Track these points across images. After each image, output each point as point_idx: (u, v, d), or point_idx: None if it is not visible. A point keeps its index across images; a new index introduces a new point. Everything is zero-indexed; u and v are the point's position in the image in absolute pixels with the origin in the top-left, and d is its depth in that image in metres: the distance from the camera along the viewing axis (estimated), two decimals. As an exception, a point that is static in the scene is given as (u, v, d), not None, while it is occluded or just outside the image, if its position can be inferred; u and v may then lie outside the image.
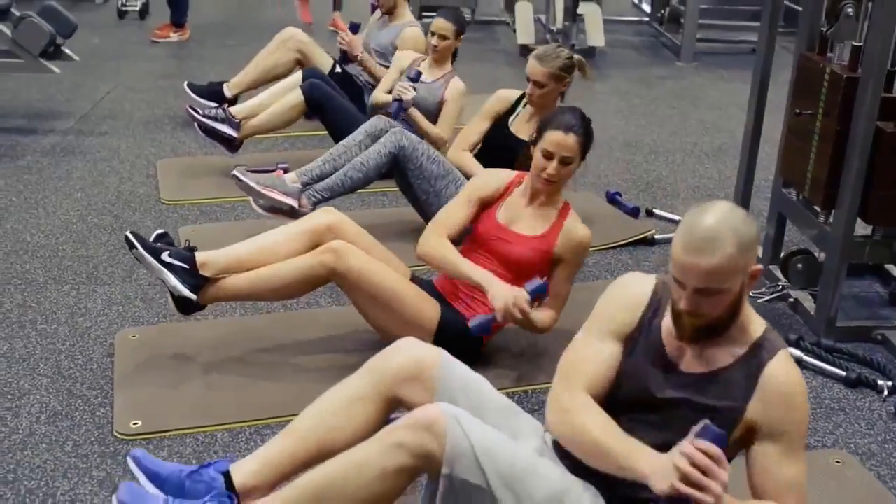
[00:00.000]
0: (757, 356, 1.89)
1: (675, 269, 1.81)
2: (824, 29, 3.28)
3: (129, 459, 2.14)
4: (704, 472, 1.69)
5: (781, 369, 1.88)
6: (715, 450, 1.70)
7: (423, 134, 4.04)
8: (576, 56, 3.65)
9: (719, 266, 1.76)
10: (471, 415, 1.93)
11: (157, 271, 2.78)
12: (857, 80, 3.02)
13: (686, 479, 1.70)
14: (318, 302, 3.35)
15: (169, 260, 2.78)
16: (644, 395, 1.93)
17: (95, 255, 3.68)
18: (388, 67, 4.64)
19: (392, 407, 2.13)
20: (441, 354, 2.13)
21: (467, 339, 2.82)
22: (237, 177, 3.60)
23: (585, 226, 2.91)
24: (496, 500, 1.86)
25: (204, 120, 4.38)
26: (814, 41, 3.36)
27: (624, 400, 1.96)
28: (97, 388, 2.81)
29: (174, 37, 7.05)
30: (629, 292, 2.03)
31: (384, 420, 2.09)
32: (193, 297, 2.79)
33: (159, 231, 2.92)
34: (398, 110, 4.09)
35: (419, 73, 4.17)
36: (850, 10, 3.10)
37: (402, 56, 4.48)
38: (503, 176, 3.00)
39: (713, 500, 1.68)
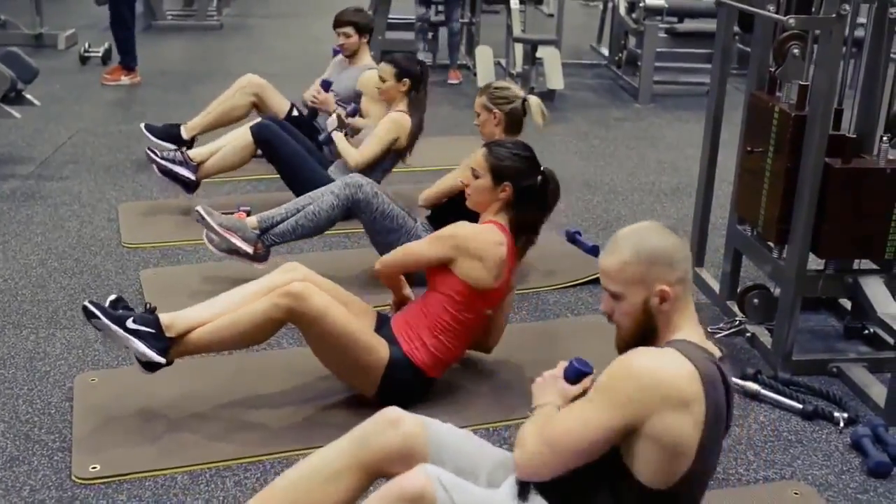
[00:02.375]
0: None
1: None
2: (773, 69, 3.37)
3: None
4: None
5: (639, 349, 1.90)
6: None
7: (342, 157, 4.30)
8: (528, 97, 3.72)
9: (612, 268, 1.93)
10: (457, 477, 1.92)
11: (122, 339, 2.72)
12: (805, 118, 3.11)
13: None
14: (279, 343, 3.35)
15: (134, 326, 2.72)
16: None
17: (55, 299, 3.65)
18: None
19: (374, 480, 2.09)
20: (428, 427, 2.10)
21: (414, 379, 2.86)
22: (200, 213, 3.60)
23: (488, 228, 2.94)
24: None
25: (162, 162, 4.41)
26: (763, 81, 3.45)
27: None
28: (55, 432, 2.79)
29: (125, 80, 7.09)
30: None
31: (363, 493, 2.06)
32: (163, 361, 2.75)
33: (112, 297, 2.84)
34: (326, 138, 4.40)
35: (356, 109, 4.48)
36: (796, 50, 3.19)
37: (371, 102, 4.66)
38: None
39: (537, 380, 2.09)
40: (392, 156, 4.37)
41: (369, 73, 4.76)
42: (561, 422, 1.91)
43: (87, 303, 2.73)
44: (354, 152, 4.24)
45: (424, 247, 3.00)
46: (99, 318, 2.70)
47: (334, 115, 4.35)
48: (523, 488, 2.00)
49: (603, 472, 1.90)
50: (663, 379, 1.82)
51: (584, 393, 2.05)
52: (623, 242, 1.94)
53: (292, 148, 4.37)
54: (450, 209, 3.60)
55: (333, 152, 4.45)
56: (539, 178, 2.97)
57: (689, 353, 1.86)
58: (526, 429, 1.96)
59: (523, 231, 3.02)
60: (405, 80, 4.25)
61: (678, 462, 1.85)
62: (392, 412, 2.12)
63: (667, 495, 1.88)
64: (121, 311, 2.78)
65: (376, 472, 2.06)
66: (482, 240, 2.90)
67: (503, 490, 2.01)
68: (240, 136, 4.51)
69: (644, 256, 1.90)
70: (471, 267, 2.88)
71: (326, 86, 4.76)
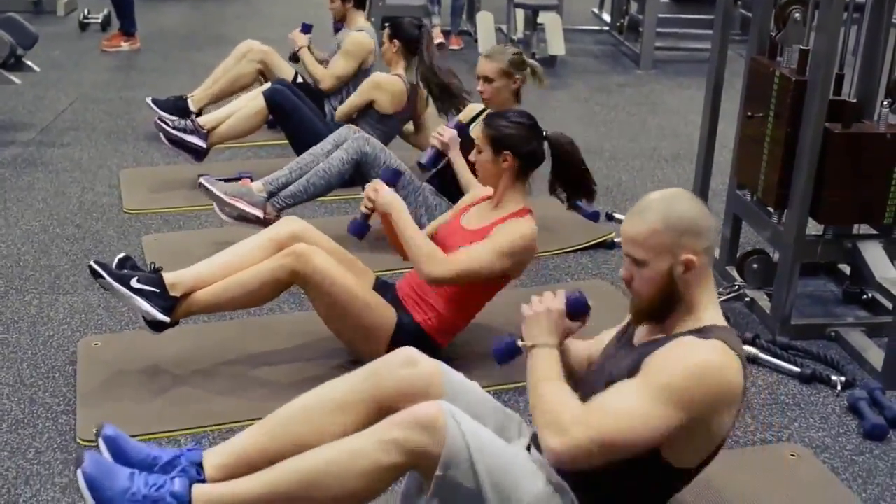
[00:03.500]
0: (690, 334, 1.88)
1: None
2: (774, 33, 3.36)
3: (100, 440, 2.07)
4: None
5: (698, 341, 1.83)
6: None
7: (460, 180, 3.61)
8: (529, 61, 3.70)
9: (639, 234, 1.87)
10: (470, 417, 1.92)
11: (127, 298, 2.75)
12: (806, 83, 3.10)
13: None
14: (281, 308, 3.37)
15: (138, 286, 2.75)
16: (608, 379, 1.97)
17: (58, 265, 3.67)
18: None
19: (383, 415, 2.04)
20: (442, 368, 2.12)
21: (422, 345, 2.85)
22: (204, 185, 3.62)
23: (533, 227, 2.88)
24: (484, 501, 1.85)
25: (173, 132, 4.38)
26: (764, 46, 3.45)
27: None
28: (59, 395, 2.82)
29: (125, 46, 7.06)
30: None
31: (370, 425, 2.03)
32: (167, 319, 2.78)
33: (121, 256, 2.88)
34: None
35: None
36: (797, 14, 3.19)
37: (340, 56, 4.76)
38: (479, 192, 3.12)
39: (530, 311, 2.05)
40: (395, 119, 4.37)
41: (354, 34, 4.80)
42: (612, 415, 1.79)
43: (92, 262, 2.76)
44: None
45: (489, 262, 2.81)
46: (104, 277, 2.74)
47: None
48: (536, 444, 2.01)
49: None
50: (725, 379, 1.80)
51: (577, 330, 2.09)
52: (652, 208, 1.87)
53: (304, 114, 4.39)
54: (454, 180, 3.61)
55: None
56: (543, 142, 2.94)
57: (732, 344, 1.84)
58: (563, 412, 1.82)
59: (573, 191, 2.98)
60: (395, 41, 4.28)
61: (711, 447, 1.89)
62: (410, 351, 2.13)
63: (686, 471, 1.91)
64: (126, 270, 2.81)
65: (388, 408, 2.02)
66: (535, 241, 2.89)
67: (521, 447, 2.05)
68: (252, 102, 4.50)
69: (673, 224, 1.84)
70: (520, 266, 2.92)
71: (306, 29, 4.83)
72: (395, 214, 2.82)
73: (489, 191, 3.01)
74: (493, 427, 2.05)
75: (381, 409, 2.04)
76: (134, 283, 2.76)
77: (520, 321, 2.09)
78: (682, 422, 1.78)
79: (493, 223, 2.89)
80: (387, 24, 4.40)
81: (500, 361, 2.15)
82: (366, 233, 2.99)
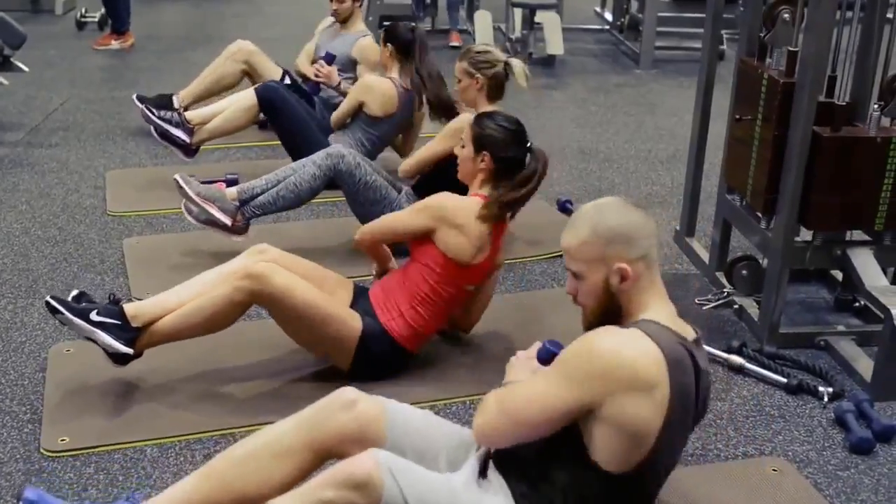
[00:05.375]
0: None
1: None
2: (762, 34, 3.28)
3: None
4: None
5: (607, 328, 1.87)
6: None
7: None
8: (510, 60, 3.62)
9: (571, 246, 1.91)
10: (411, 462, 1.87)
11: (88, 332, 2.67)
12: (794, 85, 3.02)
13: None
14: (259, 314, 3.30)
15: (99, 318, 2.68)
16: None
17: (36, 268, 3.62)
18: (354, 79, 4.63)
19: (324, 461, 2.03)
20: (384, 408, 2.05)
21: (390, 352, 2.81)
22: (178, 182, 3.56)
23: (470, 201, 2.87)
24: None
25: (158, 122, 4.32)
26: (753, 47, 3.36)
27: None
28: (27, 404, 2.76)
29: (115, 44, 7.03)
30: None
31: (311, 474, 2.00)
32: (130, 351, 2.70)
33: (75, 292, 2.79)
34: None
35: (332, 56, 4.50)
36: (786, 15, 3.10)
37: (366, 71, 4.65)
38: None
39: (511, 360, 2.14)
40: (387, 123, 4.31)
41: (365, 40, 4.71)
42: (521, 393, 1.90)
43: (49, 298, 2.68)
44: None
45: (405, 217, 2.94)
46: (62, 312, 2.66)
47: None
48: (483, 466, 1.96)
49: (562, 450, 1.86)
50: (624, 360, 1.77)
51: None
52: (582, 220, 1.90)
53: (296, 112, 4.33)
54: (435, 179, 3.54)
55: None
56: (525, 153, 2.88)
57: (654, 335, 1.81)
58: (488, 397, 1.95)
59: (504, 208, 2.89)
60: (388, 44, 4.23)
61: (636, 447, 1.81)
62: (348, 393, 2.06)
63: (624, 479, 1.84)
64: (84, 304, 2.73)
65: (328, 454, 2.01)
66: (464, 211, 2.83)
67: (463, 471, 1.97)
68: (243, 99, 4.44)
69: (602, 234, 1.86)
70: (451, 239, 2.82)
71: (330, 59, 4.64)
72: None
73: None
74: (444, 459, 2.00)
75: (322, 454, 2.01)
76: (94, 315, 2.68)
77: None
78: (576, 399, 1.79)
79: None
80: (384, 28, 4.34)
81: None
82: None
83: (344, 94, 4.49)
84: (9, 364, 2.97)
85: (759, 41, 3.32)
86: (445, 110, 3.99)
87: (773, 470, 2.58)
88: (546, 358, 2.08)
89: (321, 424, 2.02)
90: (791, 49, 3.08)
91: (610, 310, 1.90)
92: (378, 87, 4.25)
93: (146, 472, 2.49)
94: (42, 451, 2.55)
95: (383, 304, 2.87)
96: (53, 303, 2.67)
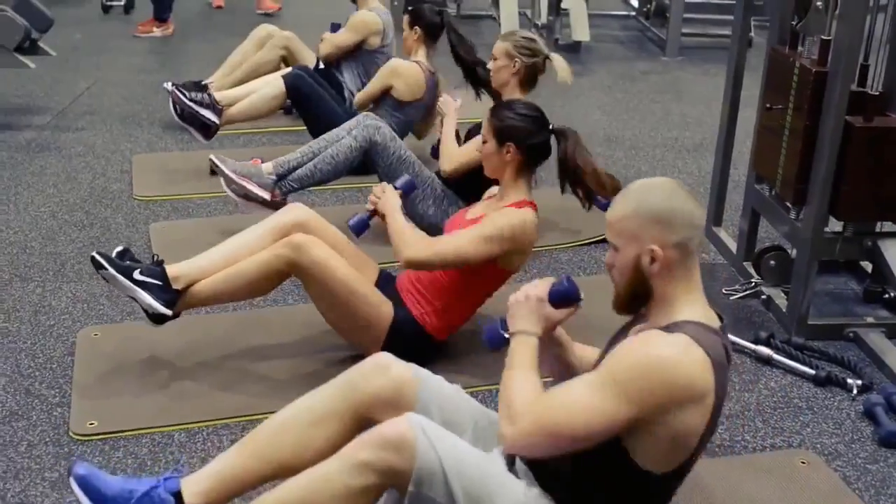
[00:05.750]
0: (658, 329, 1.82)
1: None
2: (794, 23, 3.24)
3: (71, 480, 2.02)
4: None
5: (658, 334, 1.77)
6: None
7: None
8: (552, 54, 3.58)
9: (612, 217, 1.86)
10: (443, 428, 1.87)
11: (129, 290, 2.71)
12: (826, 74, 2.99)
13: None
14: (285, 300, 3.32)
15: (141, 278, 2.71)
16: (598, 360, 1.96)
17: (64, 252, 3.64)
18: None
19: (361, 427, 2.02)
20: (418, 374, 2.07)
21: (419, 340, 2.80)
22: (214, 161, 3.58)
23: (527, 219, 2.77)
24: None
25: (188, 102, 4.31)
26: (784, 35, 3.32)
27: None
28: (56, 387, 2.78)
29: (157, 32, 7.01)
30: None
31: (349, 440, 1.98)
32: (169, 312, 2.74)
33: (119, 248, 2.82)
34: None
35: (339, 26, 4.59)
36: (819, 3, 3.06)
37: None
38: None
39: (512, 298, 1.99)
40: (414, 107, 4.30)
41: (361, 11, 4.73)
42: (562, 405, 1.77)
43: (95, 253, 2.73)
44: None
45: (472, 247, 2.73)
46: (106, 268, 2.70)
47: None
48: (511, 458, 1.96)
49: (597, 451, 1.83)
50: (680, 375, 1.71)
51: (564, 318, 2.00)
52: (629, 195, 1.86)
53: (324, 100, 4.35)
54: (468, 174, 3.53)
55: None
56: (549, 136, 2.85)
57: (700, 339, 1.76)
58: (517, 400, 1.82)
59: (572, 183, 2.84)
60: (416, 27, 4.20)
61: (681, 450, 1.80)
62: (382, 357, 2.09)
63: (660, 478, 1.82)
64: (128, 262, 2.77)
65: (363, 418, 2.01)
66: (531, 231, 2.78)
67: (495, 453, 1.97)
68: (271, 85, 4.44)
69: (642, 212, 1.81)
70: (514, 257, 2.81)
71: (335, 28, 4.74)
72: (389, 216, 2.81)
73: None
74: (470, 434, 2.00)
75: (358, 419, 2.01)
76: (137, 275, 2.72)
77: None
78: (630, 416, 1.72)
79: (490, 211, 2.83)
80: (407, 11, 4.31)
81: (492, 348, 2.10)
82: (364, 231, 2.90)
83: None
84: (37, 347, 2.99)
85: (791, 29, 3.28)
86: (480, 82, 3.99)
87: (802, 462, 2.56)
88: (559, 300, 1.97)
89: (355, 388, 2.04)
90: (824, 38, 3.04)
91: (638, 291, 1.86)
92: (407, 71, 4.24)
93: (174, 456, 2.51)
94: (71, 434, 2.57)
95: (413, 294, 2.86)
96: (99, 258, 2.70)
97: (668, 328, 1.80)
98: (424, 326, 2.83)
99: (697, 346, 1.74)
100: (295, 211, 2.92)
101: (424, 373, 2.10)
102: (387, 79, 4.27)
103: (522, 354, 1.93)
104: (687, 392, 1.72)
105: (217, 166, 3.58)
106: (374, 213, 2.86)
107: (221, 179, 3.62)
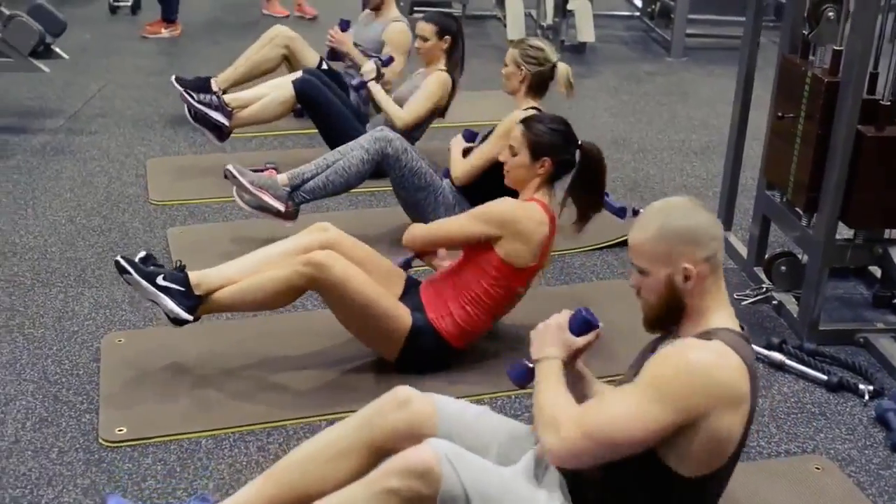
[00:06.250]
0: (693, 337, 1.89)
1: None
2: (806, 32, 3.28)
3: None
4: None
5: (695, 341, 1.85)
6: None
7: (385, 116, 4.25)
8: (559, 64, 3.63)
9: (637, 243, 1.92)
10: (465, 451, 1.92)
11: (153, 296, 2.77)
12: (838, 84, 3.04)
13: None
14: (304, 305, 3.36)
15: (164, 284, 2.76)
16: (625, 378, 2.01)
17: (84, 258, 3.69)
18: None
19: (382, 459, 2.06)
20: (437, 404, 2.11)
21: (437, 348, 2.86)
22: (231, 172, 3.62)
23: (531, 209, 2.87)
24: None
25: (198, 105, 4.36)
26: (796, 44, 3.37)
27: None
28: (83, 393, 2.83)
29: (165, 33, 7.04)
30: None
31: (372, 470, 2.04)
32: (191, 318, 2.79)
33: (142, 254, 2.87)
34: (360, 85, 4.36)
35: (391, 59, 4.41)
36: (831, 13, 3.11)
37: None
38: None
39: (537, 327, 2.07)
40: (431, 116, 4.34)
41: (394, 24, 4.74)
42: (605, 413, 1.83)
43: (119, 258, 2.78)
44: (400, 111, 4.20)
45: (465, 224, 2.93)
46: (131, 273, 2.75)
47: (371, 63, 4.32)
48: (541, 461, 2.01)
49: (632, 457, 1.88)
50: (721, 379, 1.78)
51: (585, 348, 2.06)
52: (649, 218, 1.92)
53: (334, 105, 4.38)
54: (481, 180, 3.58)
55: (364, 98, 4.49)
56: (576, 151, 2.91)
57: (736, 346, 1.83)
58: (559, 412, 1.87)
59: (587, 208, 2.97)
60: (446, 37, 4.22)
61: (720, 456, 1.85)
62: (402, 392, 2.13)
63: (697, 481, 1.87)
64: (151, 267, 2.82)
65: (384, 451, 2.06)
66: (528, 219, 2.85)
67: (519, 466, 2.02)
68: (280, 91, 4.48)
69: (669, 234, 1.87)
70: (513, 246, 2.86)
71: (344, 25, 4.77)
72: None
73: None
74: (495, 452, 2.05)
75: (379, 453, 2.06)
76: (160, 280, 2.77)
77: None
78: (672, 420, 1.78)
79: None
80: (428, 21, 4.24)
81: (518, 383, 2.16)
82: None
83: (355, 64, 4.62)
84: (63, 353, 3.04)
85: (803, 39, 3.33)
86: None
87: (817, 468, 2.62)
88: (580, 329, 2.04)
89: (376, 424, 2.09)
90: (836, 48, 3.09)
91: (672, 307, 1.91)
92: (448, 83, 4.24)
93: (202, 463, 2.56)
94: (100, 440, 2.62)
95: (433, 302, 2.92)
96: (123, 263, 2.76)
97: (704, 335, 1.86)
98: (440, 332, 2.88)
99: (734, 352, 1.81)
100: (323, 233, 2.96)
101: (444, 402, 2.13)
102: (442, 95, 4.23)
103: (549, 374, 1.99)
104: (726, 396, 1.79)
105: (234, 177, 3.61)
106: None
107: (234, 189, 3.66)
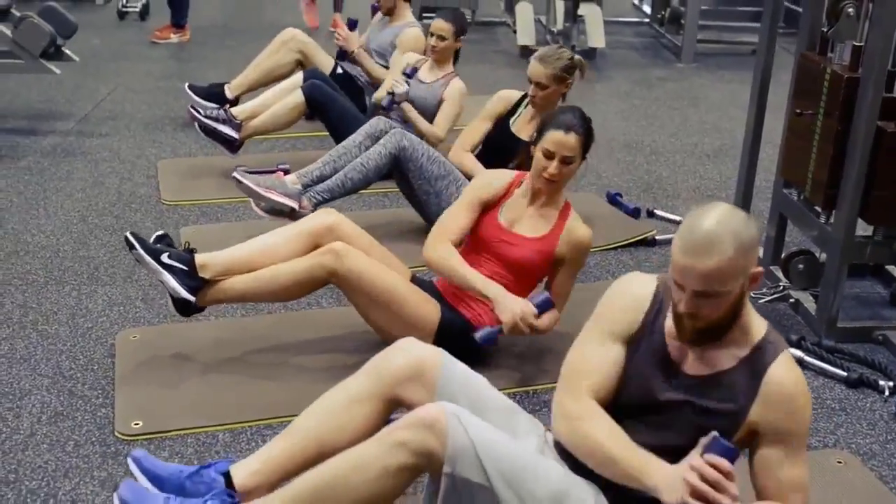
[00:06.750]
0: (759, 358, 1.88)
1: (674, 271, 1.80)
2: (825, 29, 3.27)
3: (129, 460, 2.13)
4: (714, 487, 1.71)
5: (784, 372, 1.88)
6: (725, 464, 1.72)
7: (417, 132, 4.05)
8: (576, 57, 3.65)
9: (718, 269, 1.75)
10: (475, 416, 1.92)
11: (156, 272, 2.78)
12: (858, 80, 3.02)
13: (696, 493, 1.72)
14: (318, 303, 3.35)
15: (168, 262, 2.77)
16: (646, 398, 1.93)
17: (96, 256, 3.68)
18: (387, 67, 4.68)
19: (392, 407, 2.12)
20: (442, 354, 2.13)
21: (467, 340, 2.82)
22: (238, 179, 3.61)
23: (586, 226, 2.90)
24: (498, 498, 1.85)
25: (205, 121, 4.37)
26: (814, 41, 3.36)
27: (626, 402, 1.95)
28: (98, 388, 2.81)
29: (174, 38, 7.05)
30: (631, 293, 2.00)
31: (384, 420, 2.09)
32: (192, 298, 2.79)
33: (159, 232, 2.91)
34: (390, 104, 4.16)
35: (415, 70, 4.24)
36: (850, 10, 3.10)
37: (402, 57, 4.50)
38: (503, 177, 2.98)
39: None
40: None
41: (409, 30, 4.73)
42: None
43: (128, 234, 2.79)
44: (435, 130, 4.12)
45: (453, 206, 2.96)
46: (137, 249, 2.77)
47: (404, 85, 4.15)
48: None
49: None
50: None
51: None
52: (721, 240, 1.74)
53: (344, 108, 4.37)
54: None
55: (400, 119, 4.25)
56: None
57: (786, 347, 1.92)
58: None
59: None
60: (462, 37, 4.26)
61: None
62: (405, 341, 2.17)
63: None
64: (159, 245, 2.82)
65: (392, 396, 2.09)
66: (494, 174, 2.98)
67: (530, 443, 2.04)
68: (290, 96, 4.47)
69: (744, 248, 1.76)
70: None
71: (352, 25, 4.77)
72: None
73: (500, 175, 2.99)
74: (495, 423, 2.02)
75: (387, 398, 2.10)
76: (164, 258, 2.78)
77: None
78: None
79: (554, 229, 2.87)
80: (447, 20, 4.23)
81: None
82: (495, 342, 2.83)
83: (361, 65, 4.65)
84: (77, 349, 3.02)
85: (821, 35, 3.31)
86: None
87: (839, 462, 2.60)
88: (725, 455, 1.76)
89: (382, 368, 2.12)
90: (856, 44, 3.08)
91: (729, 317, 1.86)
92: (464, 89, 4.23)
93: (220, 455, 2.53)
94: (117, 434, 2.60)
95: (461, 298, 2.90)
96: (131, 238, 2.77)
97: (765, 351, 1.89)
98: (476, 327, 2.85)
99: (789, 350, 1.90)
100: (325, 216, 2.96)
101: (449, 357, 2.15)
102: (462, 104, 4.22)
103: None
104: None
105: (242, 183, 3.60)
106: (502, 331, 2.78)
107: (250, 197, 3.65)
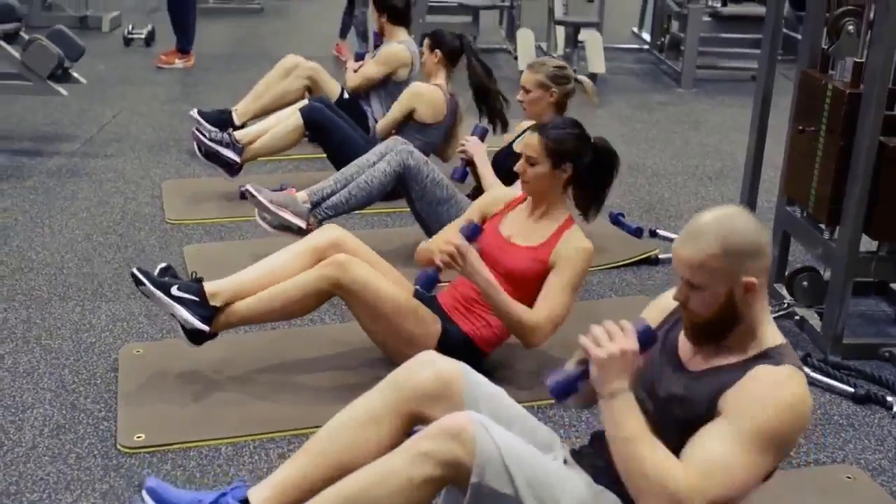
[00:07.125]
0: (759, 361, 1.81)
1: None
2: (826, 46, 3.30)
3: (144, 493, 2.05)
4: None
5: (776, 373, 1.77)
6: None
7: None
8: (580, 76, 3.68)
9: (697, 260, 1.77)
10: (500, 426, 1.90)
11: (167, 306, 2.76)
12: (860, 96, 3.04)
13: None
14: (322, 319, 3.34)
15: (179, 294, 2.75)
16: (650, 389, 1.93)
17: (100, 273, 3.68)
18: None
19: (412, 423, 2.07)
20: (462, 368, 2.10)
21: (468, 354, 2.81)
22: (250, 191, 3.61)
23: (587, 239, 2.89)
24: None
25: (209, 143, 4.37)
26: (815, 59, 3.38)
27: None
28: (101, 401, 2.80)
29: (179, 63, 7.10)
30: (664, 297, 2.04)
31: (405, 436, 2.04)
32: (206, 328, 2.77)
33: (162, 265, 2.89)
34: (464, 173, 3.74)
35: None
36: (851, 26, 3.13)
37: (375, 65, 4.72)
38: (508, 192, 3.07)
39: (602, 354, 1.77)
40: (436, 130, 4.35)
41: (390, 45, 4.81)
42: (723, 470, 1.71)
43: (135, 270, 2.78)
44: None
45: (571, 297, 2.83)
46: (145, 284, 2.74)
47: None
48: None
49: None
50: (810, 410, 1.79)
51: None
52: (708, 232, 1.76)
53: (343, 130, 4.38)
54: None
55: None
56: (592, 149, 2.92)
57: (798, 363, 1.82)
58: (669, 478, 1.71)
59: (590, 203, 2.99)
60: (437, 51, 4.28)
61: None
62: (427, 354, 2.13)
63: None
64: (167, 278, 2.81)
65: (413, 413, 2.05)
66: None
67: (553, 453, 2.01)
68: (289, 119, 4.48)
69: (731, 249, 1.75)
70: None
71: (360, 57, 4.82)
72: (485, 285, 2.71)
73: (511, 192, 3.00)
74: (516, 433, 2.00)
75: (408, 415, 2.05)
76: (174, 290, 2.76)
77: (562, 337, 2.07)
78: (778, 461, 1.78)
79: (551, 238, 2.85)
80: (428, 35, 4.39)
81: (559, 398, 1.92)
82: (435, 287, 2.76)
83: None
84: (80, 364, 3.01)
85: (822, 53, 3.34)
86: (497, 110, 4.14)
87: (848, 477, 2.58)
88: (647, 345, 1.83)
89: (402, 384, 2.07)
90: (857, 60, 3.10)
91: (726, 320, 1.82)
92: (428, 94, 4.30)
93: (222, 469, 2.52)
94: (119, 446, 2.58)
95: (462, 312, 2.90)
96: (138, 275, 2.75)
97: (770, 358, 1.80)
98: (475, 340, 2.86)
99: (801, 371, 1.80)
100: (330, 232, 2.97)
101: (471, 371, 2.12)
102: (409, 101, 4.33)
103: (632, 419, 1.79)
104: (809, 422, 1.83)
105: (254, 196, 3.60)
106: (441, 269, 2.72)
107: (256, 210, 3.65)
